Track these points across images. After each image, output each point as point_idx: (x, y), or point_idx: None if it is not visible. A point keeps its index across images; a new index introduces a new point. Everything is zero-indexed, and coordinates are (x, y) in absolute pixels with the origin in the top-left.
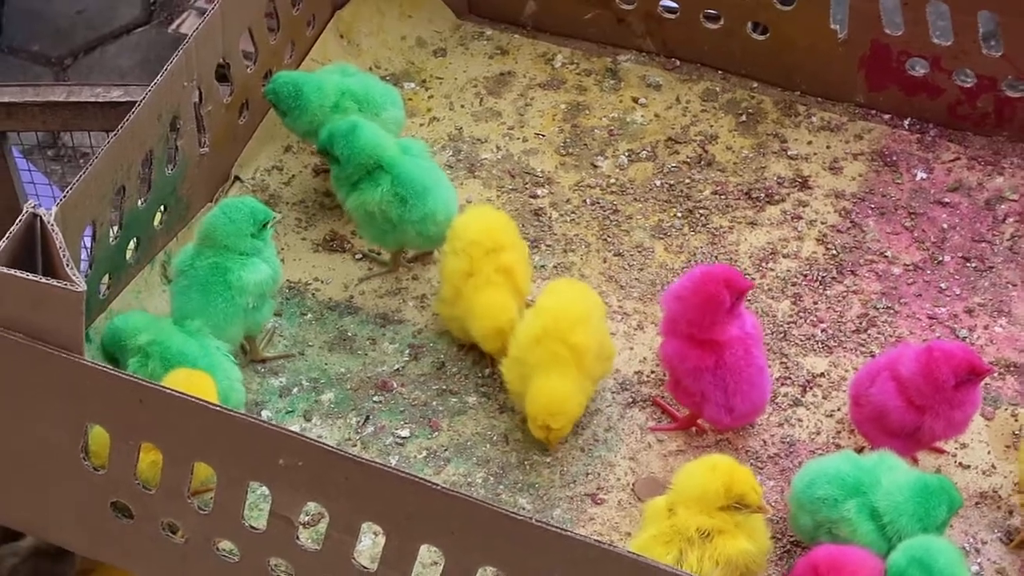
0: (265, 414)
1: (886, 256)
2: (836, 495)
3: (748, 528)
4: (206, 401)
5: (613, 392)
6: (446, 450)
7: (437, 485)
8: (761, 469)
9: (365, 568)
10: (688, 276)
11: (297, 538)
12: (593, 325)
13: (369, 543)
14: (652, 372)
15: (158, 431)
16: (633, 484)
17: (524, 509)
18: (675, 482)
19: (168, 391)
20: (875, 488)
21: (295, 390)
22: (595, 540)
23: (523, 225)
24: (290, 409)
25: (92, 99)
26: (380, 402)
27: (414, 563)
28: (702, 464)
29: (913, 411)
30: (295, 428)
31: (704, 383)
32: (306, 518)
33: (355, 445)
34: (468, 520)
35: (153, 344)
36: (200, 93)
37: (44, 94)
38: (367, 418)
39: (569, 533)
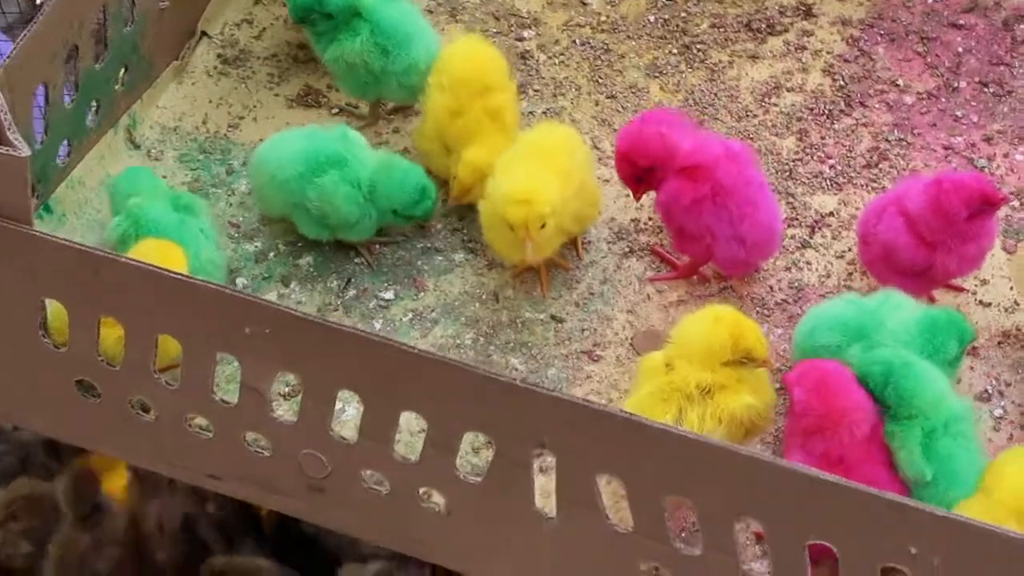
0: (240, 281)
1: (897, 85)
2: (839, 341)
3: (752, 381)
4: (164, 269)
5: (609, 242)
6: (433, 311)
7: (414, 348)
8: (768, 317)
9: (344, 439)
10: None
11: (272, 411)
12: (576, 161)
13: (354, 412)
14: (650, 219)
15: (117, 303)
16: (632, 338)
17: (516, 370)
18: (674, 335)
19: (125, 260)
20: (879, 330)
21: (271, 255)
22: (585, 401)
23: (511, 68)
24: (267, 275)
25: None
26: (362, 264)
27: (395, 431)
28: (704, 316)
29: (923, 247)
30: (272, 295)
31: (706, 216)
32: (286, 388)
33: (336, 310)
34: (450, 385)
35: (136, 208)
36: None
37: None
38: (348, 281)
39: (557, 394)
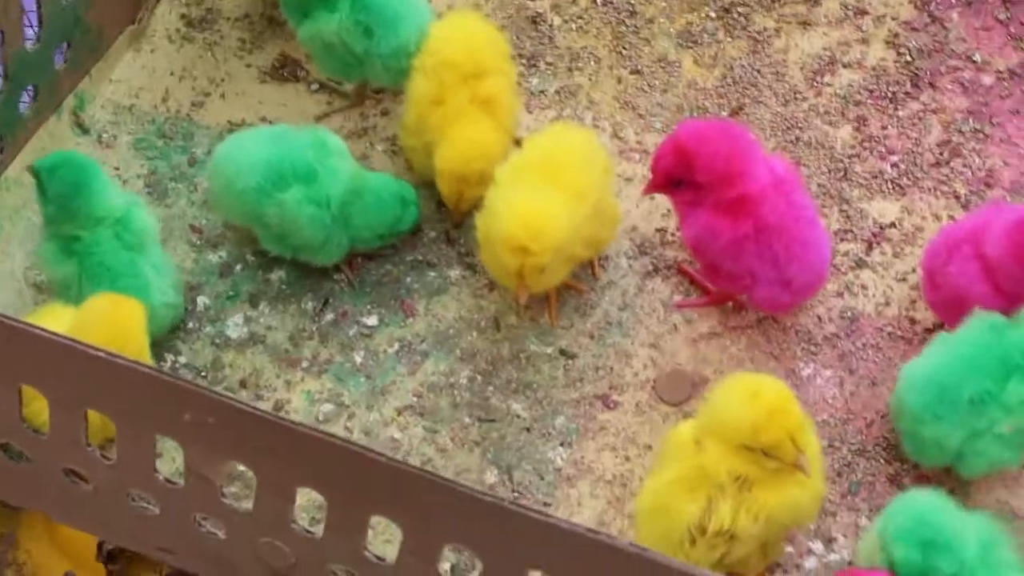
0: (202, 300)
1: (974, 61)
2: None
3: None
4: (89, 346)
5: (629, 258)
6: (423, 341)
7: (383, 456)
8: (815, 355)
9: (309, 532)
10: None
11: (222, 496)
12: (594, 175)
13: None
14: (679, 230)
15: (37, 375)
16: (654, 381)
17: (519, 417)
18: (706, 403)
19: (42, 332)
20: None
21: (238, 267)
22: (587, 530)
23: (517, 37)
24: (232, 293)
25: None
26: (341, 281)
27: (366, 534)
28: (745, 382)
29: (1001, 299)
30: (238, 317)
31: (747, 258)
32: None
33: (311, 338)
34: (426, 496)
35: (81, 248)
36: None
37: None
38: (326, 302)
39: (553, 520)
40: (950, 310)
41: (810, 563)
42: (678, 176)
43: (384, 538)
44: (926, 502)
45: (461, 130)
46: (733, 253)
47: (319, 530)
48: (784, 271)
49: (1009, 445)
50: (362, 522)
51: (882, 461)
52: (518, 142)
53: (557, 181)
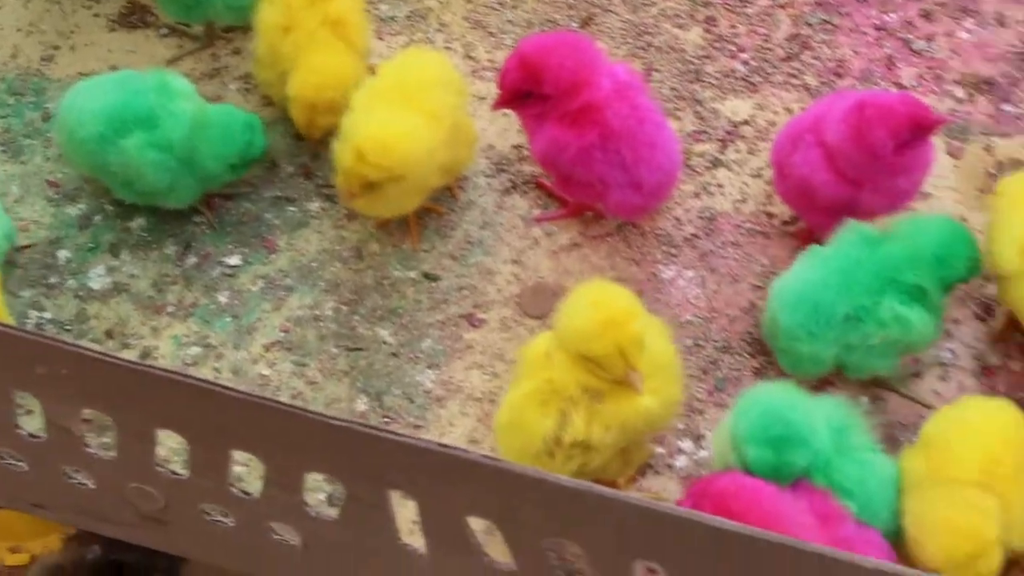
0: (63, 254)
1: None
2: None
3: (656, 376)
4: None
5: (487, 176)
6: (286, 276)
7: (239, 392)
8: (676, 257)
9: (176, 474)
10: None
11: (85, 446)
12: (448, 97)
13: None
14: None
15: None
16: (518, 296)
17: (386, 344)
18: (558, 316)
19: None
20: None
21: (97, 218)
22: (440, 446)
23: None
24: (93, 244)
25: None
26: (202, 223)
27: (229, 470)
28: (591, 292)
29: (845, 185)
30: (100, 268)
31: (596, 165)
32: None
33: (175, 283)
34: (285, 429)
35: None
36: None
37: None
38: (188, 246)
39: (406, 439)
40: (799, 200)
41: (680, 462)
42: (526, 89)
43: (258, 473)
44: (774, 398)
45: (313, 57)
46: (582, 162)
47: (185, 471)
48: (633, 174)
49: (882, 355)
50: (224, 458)
51: (746, 356)
52: (372, 70)
53: (411, 104)
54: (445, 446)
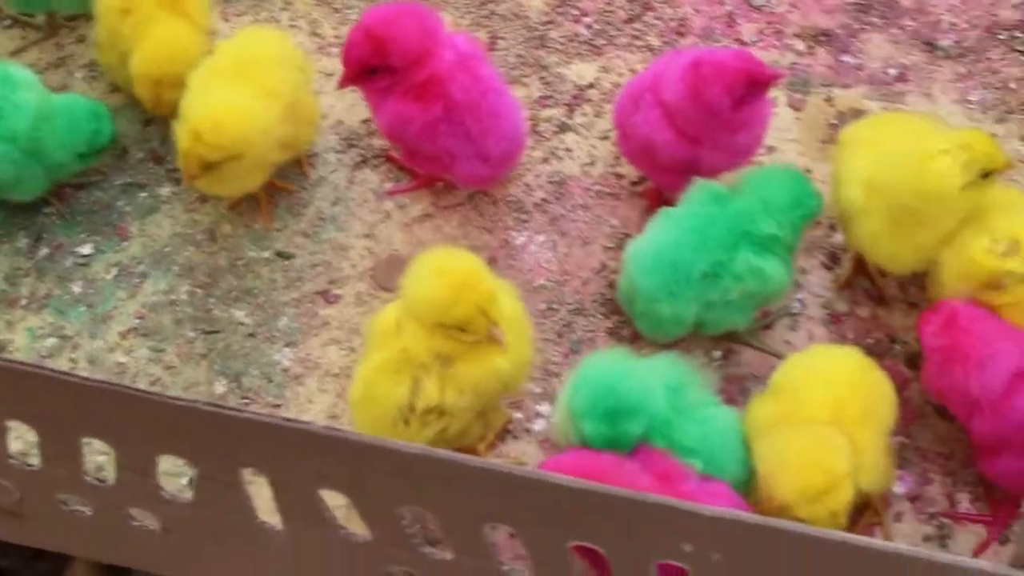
0: None
1: None
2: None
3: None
4: None
5: (337, 152)
6: (140, 263)
7: (85, 379)
8: (527, 222)
9: (30, 466)
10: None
11: None
12: (287, 74)
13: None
14: None
15: None
16: (372, 270)
17: (242, 324)
18: (405, 284)
19: None
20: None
21: None
22: (284, 420)
23: None
24: None
25: None
26: (53, 214)
27: (81, 459)
28: (434, 261)
29: (686, 143)
30: None
31: (442, 138)
32: None
33: (28, 275)
34: (132, 413)
35: None
36: None
37: None
38: (39, 237)
39: (250, 415)
40: (643, 160)
41: (539, 425)
42: (373, 63)
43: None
44: (603, 370)
45: (154, 33)
46: (428, 135)
47: (37, 462)
48: (480, 145)
49: (739, 309)
50: (76, 447)
51: (600, 316)
52: (212, 51)
53: (247, 82)
54: (291, 420)
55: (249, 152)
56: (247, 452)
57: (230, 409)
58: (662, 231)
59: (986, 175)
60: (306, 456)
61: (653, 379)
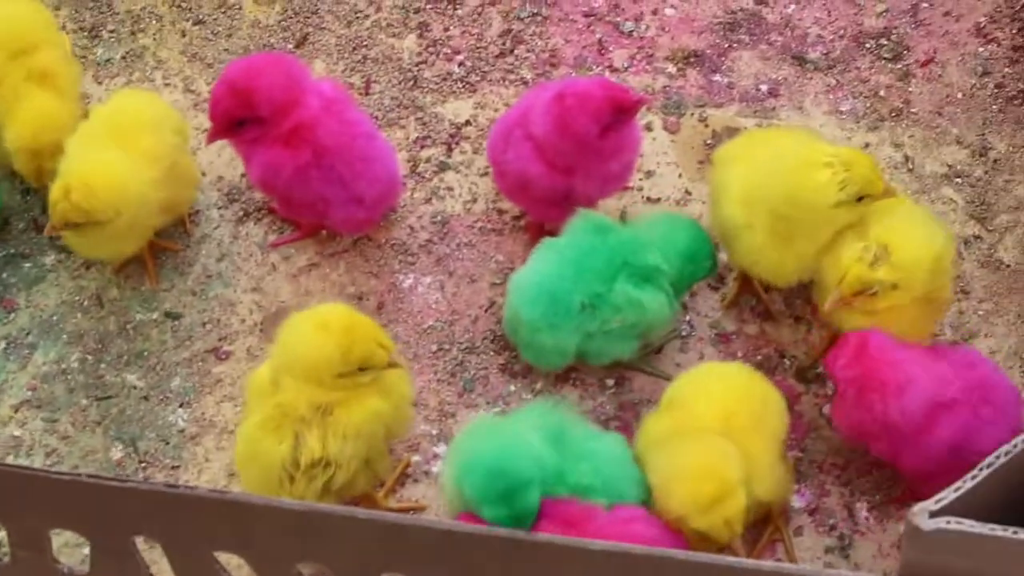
0: None
1: None
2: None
3: (379, 381)
4: None
5: (220, 208)
6: (28, 334)
7: None
8: (413, 264)
9: None
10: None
11: None
12: (163, 136)
13: None
14: None
15: None
16: (261, 323)
17: (135, 388)
18: (278, 343)
19: None
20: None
21: None
22: (165, 485)
23: (76, 10)
24: None
25: None
26: None
27: None
28: (308, 321)
29: (558, 174)
30: None
31: (314, 184)
32: None
33: None
34: (18, 490)
35: None
36: None
37: None
38: None
39: (135, 485)
40: (519, 195)
41: (437, 467)
42: (240, 115)
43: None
44: (486, 449)
45: (25, 106)
46: (299, 182)
47: None
48: (353, 189)
49: (621, 339)
50: None
51: (492, 353)
52: (86, 114)
53: (124, 146)
54: (174, 486)
55: (122, 216)
56: (137, 520)
57: (114, 480)
58: (544, 262)
59: (861, 198)
60: (195, 520)
61: (532, 438)
